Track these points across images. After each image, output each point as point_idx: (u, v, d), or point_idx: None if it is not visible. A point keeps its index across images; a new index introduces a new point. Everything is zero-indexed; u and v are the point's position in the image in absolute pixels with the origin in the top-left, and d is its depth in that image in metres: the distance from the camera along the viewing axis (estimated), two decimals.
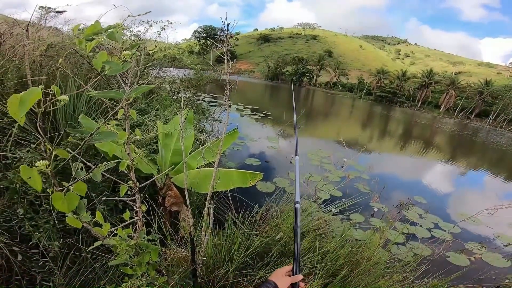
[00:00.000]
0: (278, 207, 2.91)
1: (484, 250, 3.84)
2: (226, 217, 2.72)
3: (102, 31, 0.84)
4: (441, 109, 54.49)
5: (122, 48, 0.84)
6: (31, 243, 1.61)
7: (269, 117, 13.60)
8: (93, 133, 0.77)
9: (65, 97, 0.70)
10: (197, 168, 2.75)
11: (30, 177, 0.74)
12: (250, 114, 13.63)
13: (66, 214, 0.88)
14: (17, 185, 1.73)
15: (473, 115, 52.16)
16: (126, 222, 1.03)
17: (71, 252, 1.70)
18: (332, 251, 2.05)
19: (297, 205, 1.15)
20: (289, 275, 0.94)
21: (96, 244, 1.00)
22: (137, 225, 1.11)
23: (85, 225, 0.92)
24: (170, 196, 2.57)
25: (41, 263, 1.60)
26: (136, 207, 1.10)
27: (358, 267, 1.94)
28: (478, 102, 52.23)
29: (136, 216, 1.10)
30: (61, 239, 1.69)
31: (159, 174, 2.83)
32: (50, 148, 0.77)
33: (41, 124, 0.75)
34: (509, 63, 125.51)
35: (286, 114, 11.67)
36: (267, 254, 2.05)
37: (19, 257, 1.55)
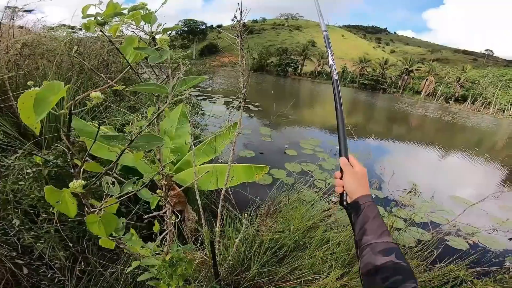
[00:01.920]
0: (284, 198, 2.87)
1: (495, 232, 3.94)
2: (236, 214, 2.65)
3: (123, 11, 0.70)
4: (421, 95, 56.17)
5: (153, 33, 0.71)
6: (34, 255, 1.51)
7: (259, 108, 13.49)
8: (134, 139, 0.62)
9: (98, 93, 0.58)
10: (201, 165, 2.65)
11: (59, 201, 0.59)
12: (240, 106, 13.42)
13: (95, 234, 0.74)
14: (10, 195, 1.58)
15: (452, 100, 54.13)
16: (160, 237, 0.93)
17: (78, 262, 1.61)
18: (344, 241, 2.03)
19: (325, 33, 1.01)
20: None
21: (134, 265, 0.89)
22: (168, 236, 1.02)
23: (122, 246, 0.81)
24: (173, 196, 2.47)
25: (49, 275, 1.51)
26: (166, 218, 1.00)
27: None
28: (456, 87, 54.23)
29: (166, 227, 1.01)
30: (67, 249, 1.58)
31: (158, 174, 2.71)
32: (79, 163, 0.64)
33: (65, 130, 0.62)
34: (485, 50, 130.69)
35: (275, 104, 11.61)
36: (280, 249, 2.01)
37: (25, 270, 1.45)
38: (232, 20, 1.18)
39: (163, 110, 0.70)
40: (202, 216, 1.63)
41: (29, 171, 1.82)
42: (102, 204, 0.69)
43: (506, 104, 47.77)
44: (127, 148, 0.65)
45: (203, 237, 1.54)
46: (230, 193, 3.60)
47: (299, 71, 71.61)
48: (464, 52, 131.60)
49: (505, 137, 21.19)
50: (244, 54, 1.25)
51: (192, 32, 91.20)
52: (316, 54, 72.17)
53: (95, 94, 0.56)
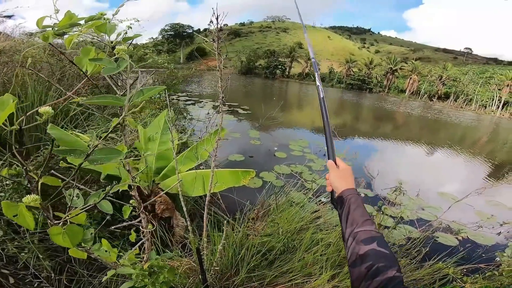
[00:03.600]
0: (273, 202, 2.86)
1: (480, 229, 4.02)
2: (223, 218, 2.63)
3: (80, 21, 0.68)
4: (406, 93, 57.67)
5: (112, 43, 0.69)
6: (19, 264, 1.52)
7: (248, 111, 13.50)
8: (90, 153, 0.61)
9: (48, 109, 0.55)
10: (186, 171, 2.61)
11: (17, 215, 0.59)
12: (228, 110, 13.45)
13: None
14: None
15: (435, 98, 55.80)
16: (136, 245, 0.91)
17: (65, 271, 1.63)
18: (334, 242, 2.04)
19: (313, 59, 1.19)
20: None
21: (110, 274, 0.87)
22: (145, 245, 1.00)
23: (93, 256, 0.79)
24: (160, 203, 2.42)
25: (36, 284, 1.51)
26: (142, 227, 0.98)
27: None
28: (439, 85, 56.00)
29: (143, 236, 0.98)
30: (52, 259, 1.60)
31: (144, 181, 2.66)
32: (35, 177, 0.63)
33: (17, 146, 0.60)
34: (464, 48, 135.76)
35: (264, 107, 11.66)
36: (269, 252, 1.99)
37: (11, 280, 1.45)
38: (209, 25, 1.17)
39: (120, 122, 0.68)
40: (189, 223, 1.61)
41: (8, 182, 1.77)
42: (66, 216, 0.68)
43: (487, 100, 49.62)
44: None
45: (193, 244, 1.52)
46: (220, 198, 3.56)
47: (287, 73, 72.25)
48: (445, 50, 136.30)
49: (487, 133, 22.04)
50: (222, 59, 1.24)
51: (178, 36, 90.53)
52: (304, 56, 73.04)
53: (44, 110, 0.54)
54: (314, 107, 23.73)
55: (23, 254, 1.53)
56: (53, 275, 1.59)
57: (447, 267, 2.17)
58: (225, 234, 1.45)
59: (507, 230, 4.29)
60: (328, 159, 0.90)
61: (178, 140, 3.38)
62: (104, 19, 0.66)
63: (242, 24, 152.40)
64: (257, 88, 35.65)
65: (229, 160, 6.41)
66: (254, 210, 2.87)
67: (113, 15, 0.71)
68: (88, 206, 0.72)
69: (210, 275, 1.48)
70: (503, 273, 2.19)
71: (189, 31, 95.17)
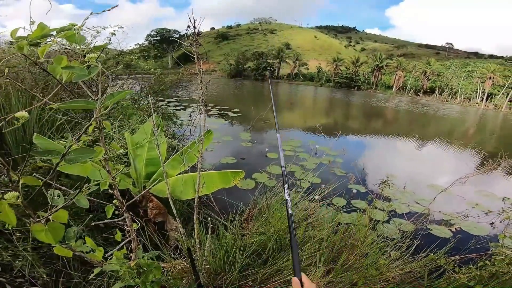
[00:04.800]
0: (264, 202, 2.87)
1: (466, 219, 4.13)
2: (213, 219, 2.63)
3: (52, 32, 0.70)
4: (393, 90, 58.81)
5: (83, 51, 0.71)
6: (14, 272, 1.55)
7: (239, 114, 13.52)
8: (66, 153, 0.65)
9: (24, 113, 0.57)
10: (177, 175, 2.60)
11: (0, 212, 0.64)
12: (219, 114, 13.45)
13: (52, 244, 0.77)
14: None
15: (421, 92, 57.08)
16: (121, 244, 0.92)
17: (61, 277, 1.65)
18: (326, 238, 2.07)
19: (283, 168, 1.19)
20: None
21: (96, 271, 0.89)
22: (132, 244, 1.00)
23: (77, 253, 0.81)
24: (152, 208, 2.42)
25: None
26: (127, 226, 0.99)
27: (355, 250, 1.99)
28: (424, 80, 57.36)
29: (129, 235, 0.99)
30: (47, 265, 1.63)
31: (135, 187, 2.63)
32: (17, 177, 0.64)
33: None
34: (446, 43, 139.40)
35: (255, 109, 11.71)
36: (263, 251, 2.01)
37: None
38: (186, 30, 1.19)
39: (90, 124, 0.71)
40: (180, 224, 1.62)
41: (6, 196, 1.80)
42: (48, 214, 0.70)
43: (471, 93, 51.08)
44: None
45: (185, 245, 1.54)
46: (213, 200, 3.56)
47: (276, 74, 72.58)
48: (427, 46, 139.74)
49: (474, 125, 22.70)
50: (201, 63, 1.26)
51: (165, 41, 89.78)
52: (292, 56, 73.54)
53: (20, 114, 0.56)
54: (306, 108, 23.94)
55: (17, 262, 1.57)
56: (49, 281, 1.62)
57: (438, 258, 2.22)
58: (210, 233, 1.46)
59: (500, 220, 4.40)
60: (294, 276, 0.91)
61: (167, 145, 3.36)
62: (74, 29, 0.68)
63: (230, 27, 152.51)
64: (247, 90, 35.69)
65: (221, 163, 6.41)
66: (246, 210, 2.88)
67: (79, 27, 0.72)
68: (68, 202, 0.74)
69: (203, 274, 1.49)
70: (495, 263, 2.21)
71: (176, 36, 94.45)
